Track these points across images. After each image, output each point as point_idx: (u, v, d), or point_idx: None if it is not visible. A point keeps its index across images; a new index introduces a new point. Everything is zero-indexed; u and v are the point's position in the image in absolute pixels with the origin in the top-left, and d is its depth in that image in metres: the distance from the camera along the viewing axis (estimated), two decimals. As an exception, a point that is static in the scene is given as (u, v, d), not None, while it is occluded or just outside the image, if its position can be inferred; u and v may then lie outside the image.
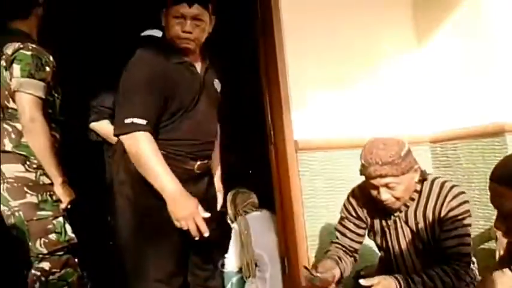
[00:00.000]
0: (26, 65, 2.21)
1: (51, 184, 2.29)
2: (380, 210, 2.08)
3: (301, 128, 2.94)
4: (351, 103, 3.10)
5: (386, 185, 1.94)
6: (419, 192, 2.05)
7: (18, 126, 2.25)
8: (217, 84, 2.29)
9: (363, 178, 2.06)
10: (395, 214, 2.07)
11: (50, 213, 2.27)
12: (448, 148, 3.13)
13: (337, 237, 2.25)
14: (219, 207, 2.50)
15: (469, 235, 2.01)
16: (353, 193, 2.24)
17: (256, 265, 3.11)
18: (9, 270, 2.28)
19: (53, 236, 2.27)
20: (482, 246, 2.73)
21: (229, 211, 3.26)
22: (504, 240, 1.99)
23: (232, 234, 3.21)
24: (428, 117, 3.27)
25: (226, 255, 3.16)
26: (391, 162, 1.91)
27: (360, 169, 2.01)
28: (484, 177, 2.81)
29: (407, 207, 2.05)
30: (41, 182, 2.27)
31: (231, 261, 3.18)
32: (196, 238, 2.03)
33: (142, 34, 2.95)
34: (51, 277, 2.26)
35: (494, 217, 1.52)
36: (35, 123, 2.21)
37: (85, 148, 2.96)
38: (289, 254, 3.00)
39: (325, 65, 3.04)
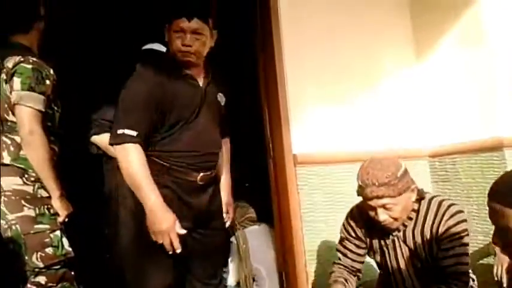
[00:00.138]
0: (26, 78, 2.21)
1: (49, 197, 2.28)
2: (378, 229, 2.08)
3: (300, 142, 2.95)
4: (350, 117, 3.11)
5: (383, 206, 1.95)
6: (417, 212, 2.05)
7: (17, 139, 2.24)
8: (220, 98, 2.33)
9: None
10: (394, 233, 2.08)
11: (47, 226, 2.26)
12: (446, 162, 3.13)
13: (339, 258, 2.26)
14: (229, 222, 2.52)
15: (467, 254, 2.01)
16: (351, 213, 2.24)
17: (253, 279, 3.10)
18: (5, 284, 2.25)
19: (49, 250, 2.25)
20: (481, 262, 2.72)
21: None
22: (502, 256, 1.98)
23: (231, 248, 3.21)
24: (427, 131, 3.28)
25: (224, 269, 3.14)
26: (388, 183, 1.91)
27: (357, 190, 2.01)
28: (482, 192, 2.81)
29: (406, 226, 2.06)
30: (38, 195, 2.26)
31: (230, 275, 3.17)
32: (170, 253, 2.07)
33: (144, 48, 2.96)
34: (47, 291, 2.25)
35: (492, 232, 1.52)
36: (34, 136, 2.20)
37: (83, 161, 2.95)
38: (287, 269, 2.98)
39: (324, 79, 3.05)
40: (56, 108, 2.41)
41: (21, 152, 2.24)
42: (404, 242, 2.07)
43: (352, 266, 2.22)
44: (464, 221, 2.02)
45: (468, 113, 2.98)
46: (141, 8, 3.90)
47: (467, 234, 2.01)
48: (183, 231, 2.08)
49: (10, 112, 2.25)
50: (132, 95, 2.12)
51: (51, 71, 2.32)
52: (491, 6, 2.88)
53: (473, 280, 2.10)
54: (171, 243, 2.06)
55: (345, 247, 2.24)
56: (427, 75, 3.28)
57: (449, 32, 3.07)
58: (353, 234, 2.21)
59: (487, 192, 1.49)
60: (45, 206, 2.27)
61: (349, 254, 2.22)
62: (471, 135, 2.93)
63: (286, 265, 2.99)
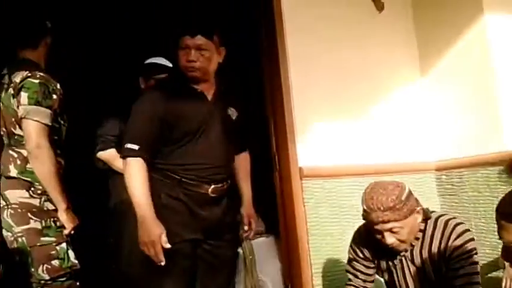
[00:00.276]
0: (33, 93, 2.23)
1: (55, 210, 2.29)
2: (386, 250, 2.07)
3: (306, 155, 2.95)
4: (356, 131, 3.11)
5: (390, 230, 1.95)
6: (424, 231, 2.05)
7: (24, 152, 2.27)
8: (231, 112, 2.38)
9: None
10: (401, 253, 2.08)
11: (53, 239, 2.27)
12: (453, 176, 3.11)
13: (350, 279, 2.27)
14: (252, 234, 2.56)
15: (477, 273, 1.99)
16: (358, 234, 2.25)
17: (260, 291, 3.09)
18: (12, 296, 2.26)
19: (55, 262, 2.27)
20: (489, 275, 2.70)
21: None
22: (511, 270, 1.97)
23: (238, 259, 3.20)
24: (434, 145, 3.27)
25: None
26: (393, 207, 1.91)
27: (362, 214, 2.01)
28: (490, 205, 2.79)
29: (413, 246, 2.06)
30: (45, 208, 2.28)
31: (235, 286, 3.16)
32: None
33: (146, 62, 2.99)
34: (53, 303, 2.25)
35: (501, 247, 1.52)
36: (41, 150, 2.22)
37: (90, 173, 2.96)
38: (293, 282, 2.97)
39: (330, 93, 3.06)
40: (62, 122, 2.43)
41: (28, 165, 2.27)
42: (412, 261, 2.07)
43: (363, 286, 2.23)
44: (472, 239, 2.01)
45: (474, 127, 2.97)
46: (148, 25, 3.95)
47: (476, 253, 2.01)
48: (168, 246, 2.12)
49: (17, 126, 2.28)
50: (138, 111, 2.24)
51: (58, 86, 2.35)
52: (495, 21, 2.88)
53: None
54: (156, 255, 2.11)
55: (354, 268, 2.24)
56: (432, 89, 3.27)
57: (454, 47, 3.07)
58: (361, 255, 2.21)
59: (494, 205, 1.49)
60: (52, 219, 2.29)
61: (360, 275, 2.23)
62: (477, 148, 2.92)
63: (292, 278, 2.98)
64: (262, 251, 3.19)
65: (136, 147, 2.16)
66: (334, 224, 2.95)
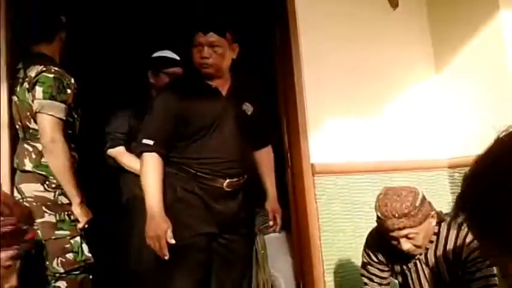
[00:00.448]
0: (48, 87, 2.25)
1: (69, 204, 2.31)
2: (400, 254, 2.06)
3: (318, 151, 2.95)
4: (368, 127, 3.11)
5: (405, 236, 1.94)
6: (438, 234, 2.04)
7: (39, 146, 2.29)
8: (246, 107, 2.41)
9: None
10: (416, 256, 2.07)
11: (67, 232, 2.29)
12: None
13: (365, 283, 2.26)
14: (278, 228, 2.57)
15: (494, 275, 1.97)
16: (371, 237, 2.24)
17: (271, 286, 3.09)
18: (26, 289, 2.29)
19: (70, 256, 2.28)
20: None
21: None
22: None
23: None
24: (447, 142, 3.25)
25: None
26: (408, 214, 1.90)
27: (376, 221, 2.00)
28: (503, 203, 2.77)
29: (427, 249, 2.05)
30: (59, 202, 2.30)
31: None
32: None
33: (153, 56, 2.98)
34: (67, 296, 2.27)
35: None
36: (56, 144, 2.24)
37: (103, 168, 2.98)
38: (304, 278, 2.97)
39: (342, 90, 3.06)
40: (76, 116, 2.45)
41: (43, 159, 2.29)
42: (427, 264, 2.06)
43: None
44: None
45: (487, 124, 2.94)
46: (156, 20, 3.96)
47: None
48: (173, 241, 2.16)
49: (32, 120, 2.30)
50: (154, 109, 2.32)
51: (72, 80, 2.37)
52: (510, 19, 2.86)
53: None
54: (161, 249, 2.16)
55: (369, 272, 2.24)
56: (447, 86, 3.26)
57: (469, 44, 3.05)
58: (375, 259, 2.21)
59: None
60: (66, 213, 2.31)
61: (375, 279, 2.23)
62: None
63: (303, 274, 2.99)
64: (274, 246, 3.20)
65: (151, 142, 2.23)
66: (346, 221, 2.95)
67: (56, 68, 2.32)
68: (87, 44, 3.73)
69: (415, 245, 1.97)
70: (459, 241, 1.99)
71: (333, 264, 2.91)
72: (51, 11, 2.46)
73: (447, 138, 3.25)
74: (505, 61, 2.84)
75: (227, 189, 2.29)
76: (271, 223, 2.53)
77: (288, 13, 3.00)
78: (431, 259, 2.05)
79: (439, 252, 2.03)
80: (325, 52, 3.04)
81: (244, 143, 2.39)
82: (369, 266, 2.23)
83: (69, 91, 2.32)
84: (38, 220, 2.25)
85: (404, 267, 2.13)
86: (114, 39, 4.04)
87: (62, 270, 2.27)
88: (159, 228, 2.16)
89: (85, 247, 2.35)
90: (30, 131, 2.32)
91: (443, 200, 3.00)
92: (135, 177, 2.72)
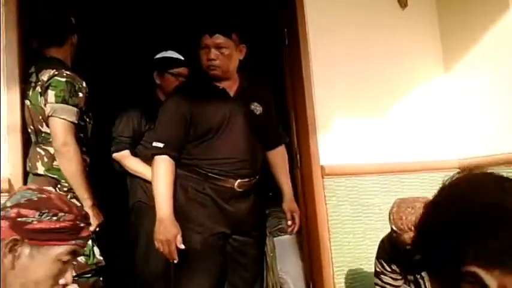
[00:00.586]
0: (60, 91, 2.26)
1: (81, 207, 2.33)
2: (413, 262, 2.06)
3: (328, 153, 2.95)
4: (378, 129, 3.10)
5: None
6: None
7: (51, 150, 2.30)
8: (255, 107, 2.40)
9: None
10: None
11: (79, 235, 2.30)
12: (477, 175, 3.07)
13: None
14: (296, 228, 2.52)
15: None
16: (383, 247, 2.24)
17: (280, 288, 3.09)
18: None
19: (81, 259, 2.28)
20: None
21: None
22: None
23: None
24: (457, 143, 3.24)
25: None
26: None
27: (391, 234, 1.99)
28: (514, 205, 2.75)
29: None
30: (71, 205, 2.31)
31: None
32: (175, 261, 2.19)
33: (158, 56, 2.99)
34: (78, 299, 2.28)
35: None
36: (68, 147, 2.25)
37: (114, 172, 2.99)
38: (314, 280, 2.97)
39: (352, 91, 3.05)
40: (88, 119, 2.46)
41: (55, 163, 2.30)
42: None
43: None
44: None
45: (499, 124, 2.94)
46: (161, 21, 3.97)
47: None
48: (182, 247, 2.18)
49: (44, 124, 2.32)
50: (163, 112, 2.35)
51: (84, 84, 2.38)
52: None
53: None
54: (170, 254, 2.18)
55: (382, 281, 2.25)
56: (456, 86, 3.25)
57: (479, 43, 3.04)
58: (388, 269, 2.21)
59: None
60: (77, 216, 2.31)
61: (389, 287, 2.23)
62: (502, 147, 2.89)
63: (313, 276, 2.98)
64: (283, 248, 3.19)
65: (161, 145, 2.25)
66: (356, 223, 2.94)
67: (68, 72, 2.33)
68: (94, 46, 3.75)
69: None
70: None
71: (343, 265, 2.91)
72: (61, 14, 2.48)
73: (457, 138, 3.24)
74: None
75: (238, 190, 2.29)
76: (289, 223, 2.49)
77: (297, 13, 3.00)
78: None
79: None
80: (334, 53, 3.04)
81: (255, 143, 2.39)
82: (382, 276, 2.23)
83: (80, 95, 2.34)
84: (50, 223, 2.27)
85: (418, 276, 2.13)
86: (120, 42, 4.06)
87: (73, 274, 2.28)
88: (168, 232, 2.17)
89: (96, 250, 2.35)
90: (43, 135, 2.34)
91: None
92: (141, 181, 2.76)
